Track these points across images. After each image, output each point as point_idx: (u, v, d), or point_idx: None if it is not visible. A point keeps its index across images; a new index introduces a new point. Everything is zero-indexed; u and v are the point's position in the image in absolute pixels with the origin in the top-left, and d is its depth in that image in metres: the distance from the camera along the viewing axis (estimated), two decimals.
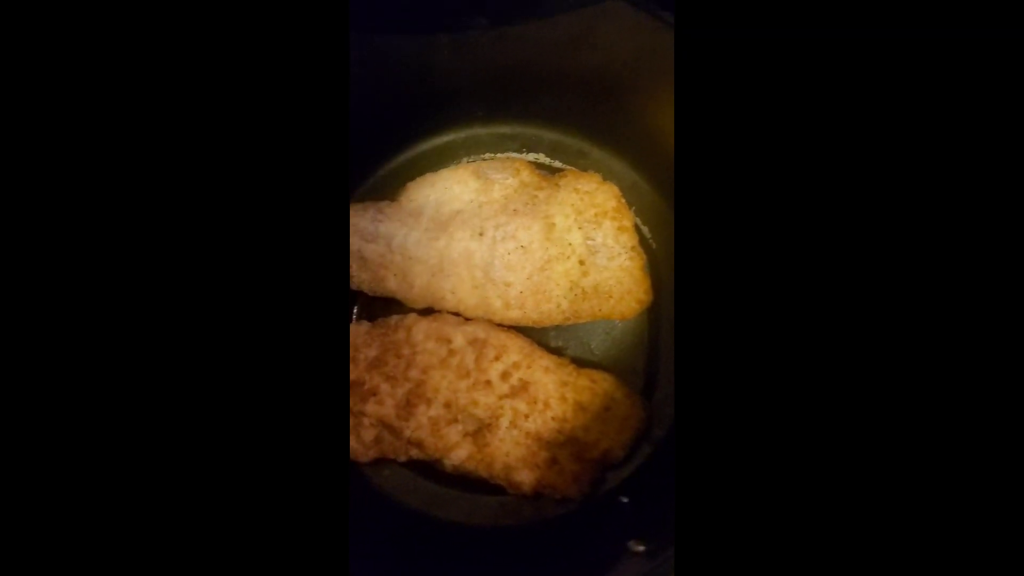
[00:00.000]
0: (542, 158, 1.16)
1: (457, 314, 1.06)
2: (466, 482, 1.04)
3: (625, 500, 0.97)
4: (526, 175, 1.08)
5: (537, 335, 1.08)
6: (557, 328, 1.10)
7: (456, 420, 1.00)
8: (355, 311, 1.14)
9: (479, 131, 1.16)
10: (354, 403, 1.01)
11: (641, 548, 0.91)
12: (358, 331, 1.05)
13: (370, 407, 1.00)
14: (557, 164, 1.16)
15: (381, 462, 1.04)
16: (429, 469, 1.05)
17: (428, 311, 1.07)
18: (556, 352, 1.06)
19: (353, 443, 1.02)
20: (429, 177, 1.09)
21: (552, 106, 1.13)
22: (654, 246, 1.12)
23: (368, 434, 1.01)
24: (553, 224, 1.04)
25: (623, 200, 1.06)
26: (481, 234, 1.05)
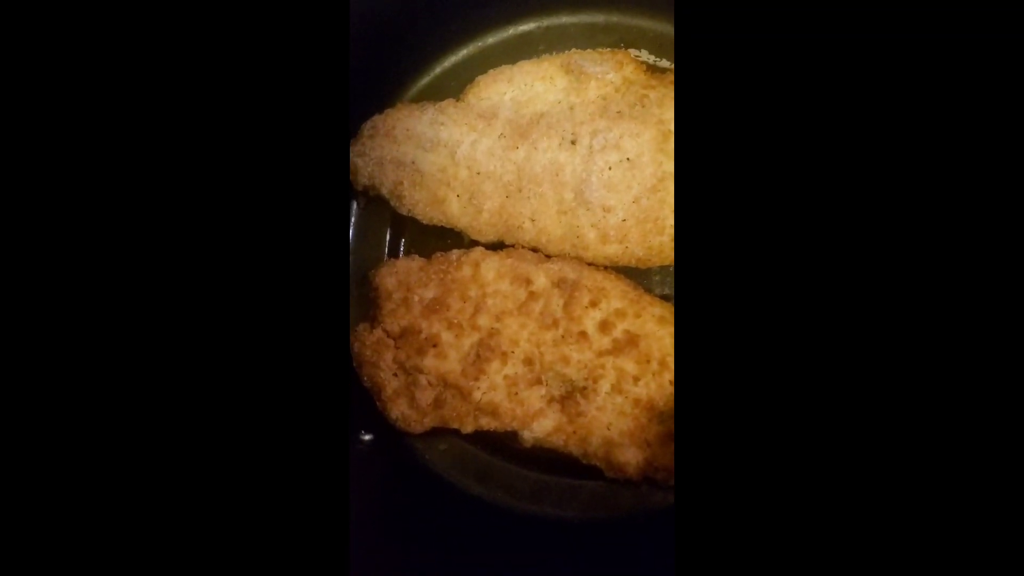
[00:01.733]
0: (644, 55, 0.91)
1: (535, 250, 0.83)
2: (546, 461, 0.81)
3: None
4: (631, 70, 0.84)
5: (636, 280, 0.85)
6: (662, 271, 0.87)
7: (540, 381, 0.77)
8: (403, 243, 0.91)
9: (564, 20, 0.92)
10: (408, 356, 0.78)
11: None
12: (410, 267, 0.82)
13: (429, 361, 0.77)
14: (664, 64, 0.91)
15: (437, 433, 0.81)
16: (498, 443, 0.83)
17: (497, 247, 0.83)
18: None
19: (404, 408, 0.79)
20: (505, 71, 0.85)
21: None
22: None
23: (425, 396, 0.78)
24: (669, 131, 0.80)
25: None
26: (573, 143, 0.81)
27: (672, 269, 0.86)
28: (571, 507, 0.81)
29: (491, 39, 0.92)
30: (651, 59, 0.91)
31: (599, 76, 0.83)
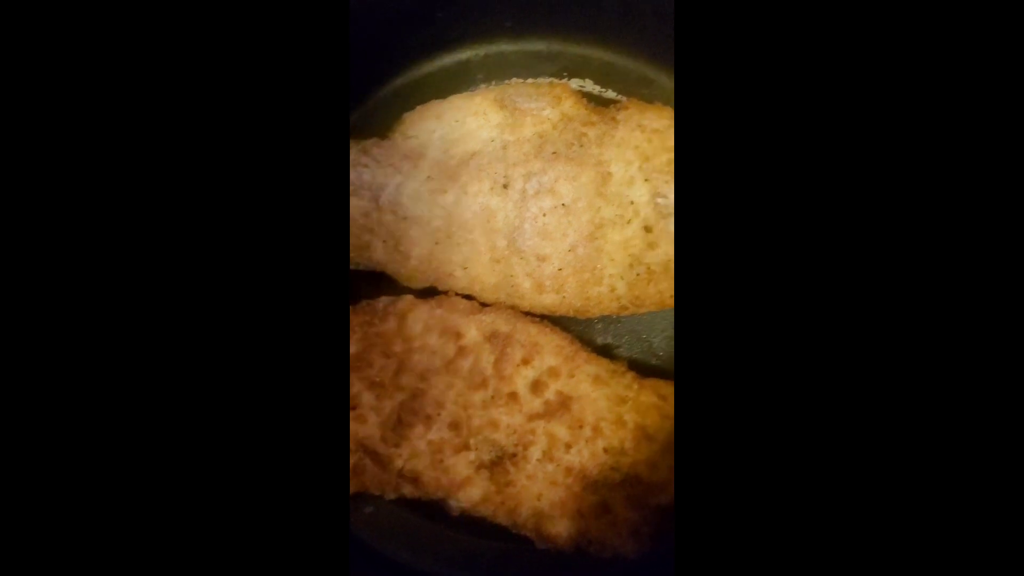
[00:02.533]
0: (588, 85, 0.86)
1: (470, 298, 0.77)
2: (479, 525, 0.76)
3: None
4: (570, 106, 0.78)
5: (577, 329, 0.79)
6: (604, 320, 0.82)
7: (467, 447, 0.72)
8: None
9: (504, 48, 0.86)
10: None
11: None
12: None
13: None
14: (609, 94, 0.86)
15: (362, 495, 0.76)
16: (427, 505, 0.77)
17: (429, 292, 0.78)
18: (603, 354, 0.78)
19: None
20: (434, 106, 0.79)
21: (605, 15, 0.82)
22: None
23: None
24: (608, 174, 0.75)
25: None
26: (506, 186, 0.75)
27: (614, 319, 0.81)
28: (505, 572, 0.76)
29: (426, 68, 0.86)
30: (596, 89, 0.86)
31: (535, 112, 0.77)
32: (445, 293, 0.78)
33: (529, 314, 0.77)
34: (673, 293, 0.75)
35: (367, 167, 0.77)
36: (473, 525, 0.75)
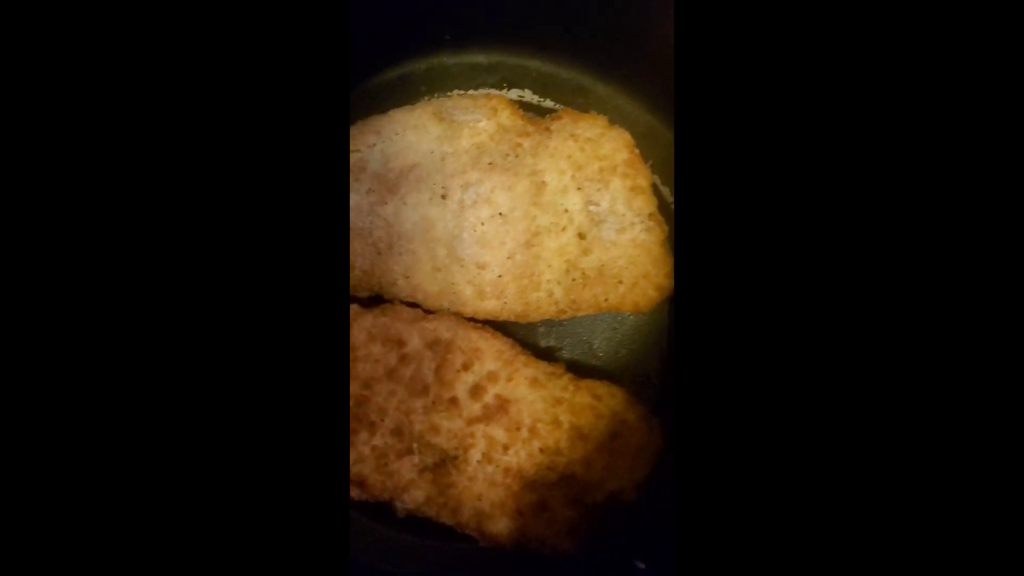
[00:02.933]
0: (528, 96, 0.88)
1: (414, 305, 0.79)
2: (425, 525, 0.78)
3: (642, 566, 0.72)
4: (506, 117, 0.80)
5: (521, 333, 0.82)
6: (547, 324, 0.84)
7: (410, 451, 0.74)
8: None
9: (445, 60, 0.88)
10: None
11: (643, 566, 0.74)
12: None
13: None
14: (548, 104, 0.88)
15: None
16: (376, 509, 0.79)
17: (373, 301, 0.80)
18: (546, 356, 0.80)
19: None
20: (373, 121, 0.81)
21: (543, 27, 0.84)
22: None
23: None
24: (543, 183, 0.77)
25: (637, 151, 0.79)
26: (444, 197, 0.77)
27: (556, 322, 0.84)
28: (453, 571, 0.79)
29: (369, 82, 0.88)
30: (535, 99, 0.88)
31: (472, 124, 0.79)
32: (390, 301, 0.81)
33: (472, 320, 0.80)
34: (607, 297, 0.77)
35: None
36: (419, 526, 0.78)
